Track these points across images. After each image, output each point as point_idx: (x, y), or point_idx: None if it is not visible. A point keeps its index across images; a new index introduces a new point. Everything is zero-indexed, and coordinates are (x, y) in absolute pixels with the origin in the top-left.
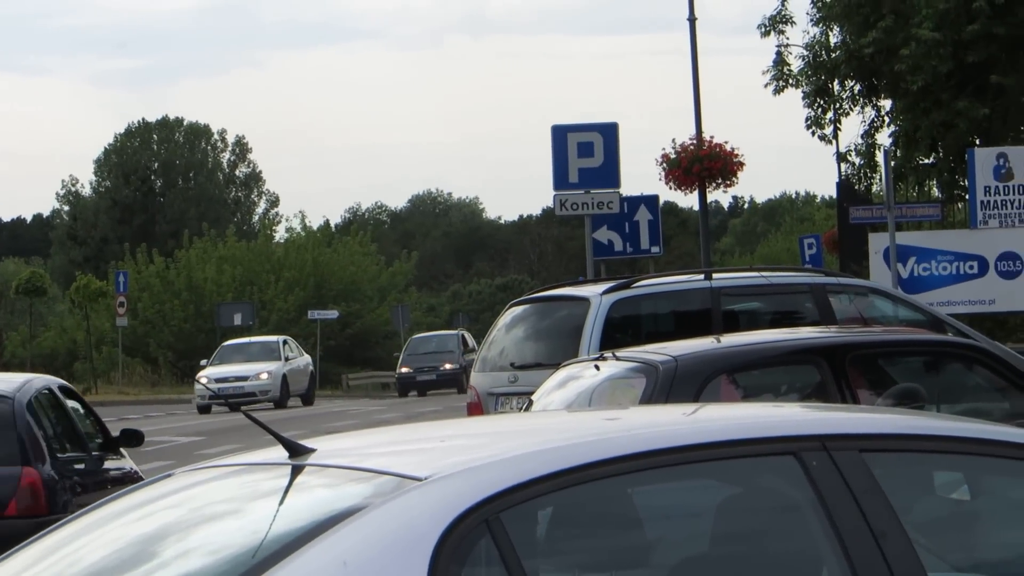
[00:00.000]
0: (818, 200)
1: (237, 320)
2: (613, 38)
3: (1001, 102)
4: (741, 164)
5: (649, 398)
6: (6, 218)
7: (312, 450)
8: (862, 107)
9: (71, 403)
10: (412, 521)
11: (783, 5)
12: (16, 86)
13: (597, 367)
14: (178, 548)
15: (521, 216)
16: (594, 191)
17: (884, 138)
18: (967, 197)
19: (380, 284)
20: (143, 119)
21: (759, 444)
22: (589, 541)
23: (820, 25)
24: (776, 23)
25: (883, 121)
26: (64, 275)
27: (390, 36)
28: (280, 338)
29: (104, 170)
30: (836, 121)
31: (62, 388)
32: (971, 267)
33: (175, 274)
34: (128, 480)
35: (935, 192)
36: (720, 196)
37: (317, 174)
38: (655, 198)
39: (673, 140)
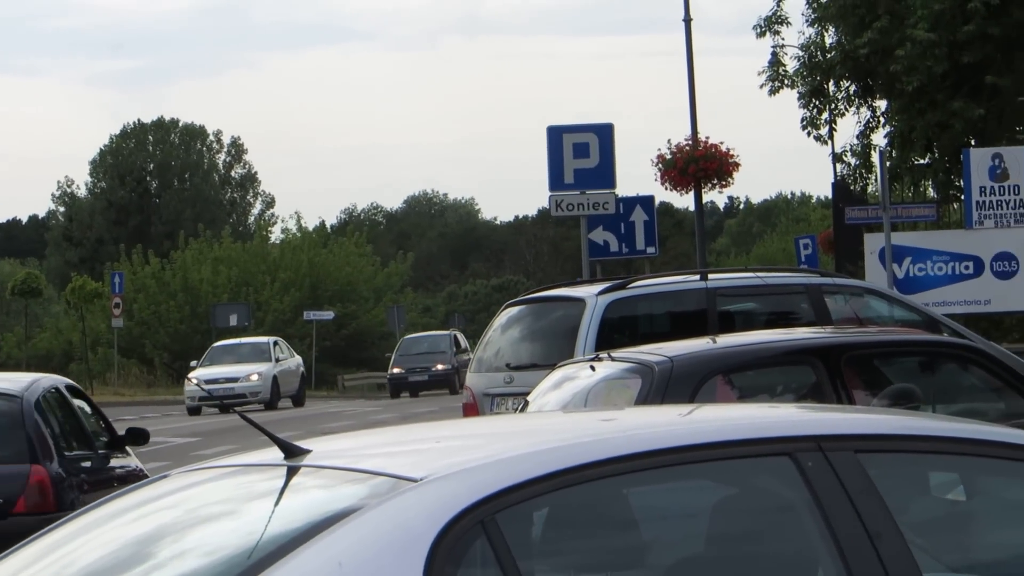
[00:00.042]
0: (814, 200)
1: (233, 321)
2: (608, 39)
3: (996, 102)
4: (737, 165)
5: (645, 399)
6: (1, 219)
7: (308, 451)
8: (858, 108)
9: (78, 402)
10: (408, 522)
11: (779, 6)
12: (11, 87)
13: (593, 368)
14: (174, 549)
15: (517, 217)
16: (590, 192)
17: (880, 138)
18: (963, 197)
19: (376, 285)
20: (138, 120)
21: (754, 445)
22: (585, 542)
23: (816, 26)
24: (772, 24)
25: (879, 121)
26: (60, 276)
27: (385, 37)
28: (270, 339)
29: (99, 171)
30: (832, 122)
31: (69, 387)
32: (967, 267)
33: (171, 275)
34: (133, 478)
35: (931, 192)
36: (716, 197)
37: (313, 175)
38: (651, 199)
39: (669, 141)
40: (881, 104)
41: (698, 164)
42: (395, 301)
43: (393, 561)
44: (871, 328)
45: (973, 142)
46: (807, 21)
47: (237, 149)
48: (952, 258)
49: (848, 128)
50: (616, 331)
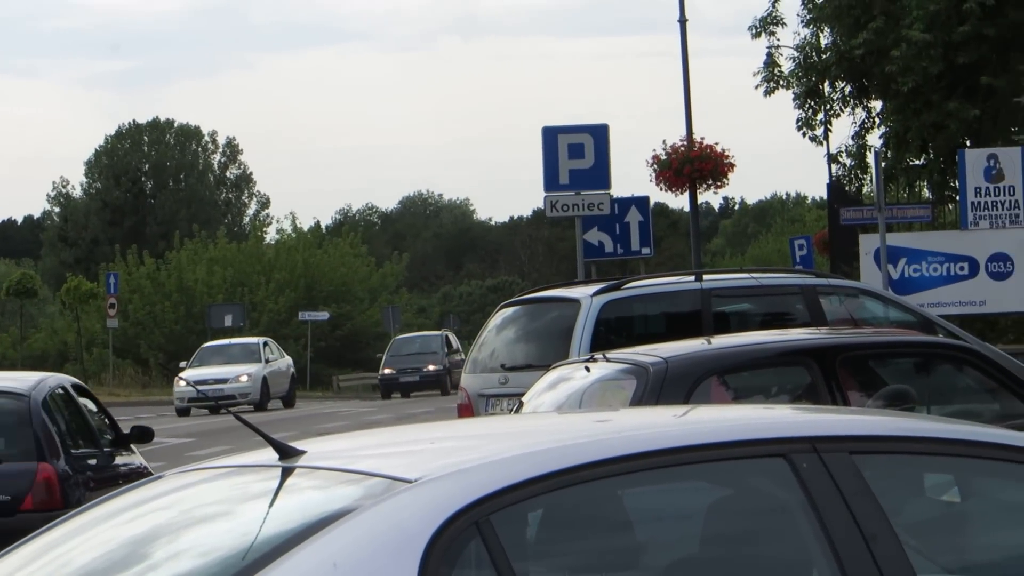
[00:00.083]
0: (809, 201)
1: (228, 321)
2: (604, 40)
3: (991, 103)
4: (732, 165)
5: (639, 400)
6: None
7: (302, 452)
8: (853, 108)
9: (84, 401)
10: (402, 523)
11: (774, 7)
12: (6, 88)
13: (587, 369)
14: (169, 550)
15: (512, 217)
16: (585, 192)
17: (875, 139)
18: (958, 198)
19: (371, 285)
20: (133, 121)
21: (749, 446)
22: (579, 543)
23: (811, 26)
24: (767, 24)
25: (874, 122)
26: (55, 277)
27: (381, 38)
28: (260, 340)
29: (95, 172)
30: (827, 122)
31: (75, 386)
32: (962, 268)
33: (166, 276)
34: (137, 476)
35: (926, 193)
36: (711, 197)
37: (308, 175)
38: (646, 199)
39: (664, 141)
40: (876, 105)
41: (693, 165)
42: (390, 302)
43: (388, 562)
44: (866, 329)
45: (968, 143)
46: (802, 22)
47: (232, 149)
48: (947, 259)
49: (843, 129)
50: (611, 332)
